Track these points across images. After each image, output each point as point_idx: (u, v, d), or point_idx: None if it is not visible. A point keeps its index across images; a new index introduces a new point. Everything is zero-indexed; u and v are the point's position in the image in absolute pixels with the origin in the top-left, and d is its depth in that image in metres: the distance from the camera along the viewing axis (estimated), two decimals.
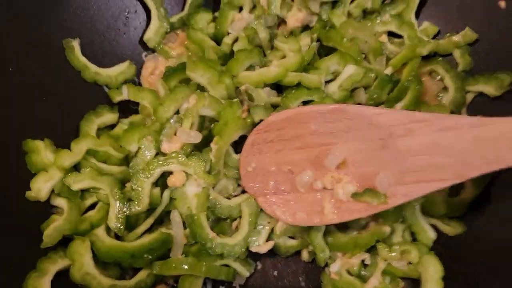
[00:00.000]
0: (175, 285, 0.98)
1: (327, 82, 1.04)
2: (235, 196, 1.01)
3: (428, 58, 1.08)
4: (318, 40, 1.10)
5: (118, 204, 0.94)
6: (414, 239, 0.98)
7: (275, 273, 1.02)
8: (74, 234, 0.93)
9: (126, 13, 1.16)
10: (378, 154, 0.84)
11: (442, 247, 0.95)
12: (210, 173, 0.95)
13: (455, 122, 0.75)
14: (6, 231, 0.88)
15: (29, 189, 0.94)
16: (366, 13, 1.15)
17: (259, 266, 1.03)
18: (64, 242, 0.92)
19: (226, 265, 0.96)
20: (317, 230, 0.96)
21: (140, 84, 1.17)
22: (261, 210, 0.97)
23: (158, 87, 1.06)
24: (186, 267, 0.91)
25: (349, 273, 0.97)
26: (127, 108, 1.13)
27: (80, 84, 1.09)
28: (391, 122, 0.81)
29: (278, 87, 1.04)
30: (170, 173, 0.96)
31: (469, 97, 1.03)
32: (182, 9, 1.21)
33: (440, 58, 1.07)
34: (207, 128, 1.01)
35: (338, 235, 0.97)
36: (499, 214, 0.92)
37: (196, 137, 0.95)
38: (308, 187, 0.92)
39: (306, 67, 1.04)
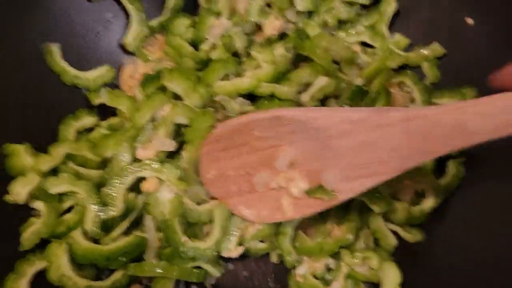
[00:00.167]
0: (149, 284, 1.02)
1: (300, 92, 1.08)
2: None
3: (398, 69, 1.12)
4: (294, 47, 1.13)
5: (94, 208, 0.98)
6: (377, 244, 1.04)
7: (245, 273, 1.07)
8: (51, 236, 0.97)
9: (106, 16, 1.18)
10: (321, 153, 0.88)
11: (402, 254, 1.01)
12: (182, 179, 0.98)
13: (387, 118, 0.78)
14: None
15: (7, 191, 0.96)
16: (341, 23, 1.17)
17: (230, 267, 1.07)
18: (42, 244, 0.95)
19: (198, 267, 1.00)
20: (285, 234, 1.00)
21: (119, 87, 1.19)
22: (232, 215, 1.01)
23: (136, 94, 1.08)
24: (159, 270, 0.96)
25: (314, 276, 1.02)
26: (106, 110, 1.14)
27: (59, 87, 1.11)
28: (327, 126, 0.84)
29: (252, 96, 1.07)
30: (144, 178, 1.00)
31: None
32: (162, 13, 1.23)
33: (409, 71, 1.10)
34: (182, 135, 1.04)
35: (305, 240, 1.02)
36: (457, 224, 0.98)
37: (170, 145, 0.99)
38: (265, 187, 0.97)
39: (280, 77, 1.07)
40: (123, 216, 0.99)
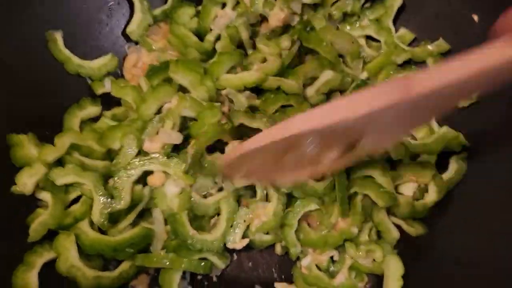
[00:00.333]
0: (156, 274, 1.04)
1: (306, 86, 1.08)
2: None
3: (403, 64, 1.13)
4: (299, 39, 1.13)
5: (101, 200, 0.98)
6: (380, 237, 1.06)
7: (250, 264, 1.09)
8: (59, 228, 0.97)
9: (109, 5, 1.17)
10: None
11: (404, 246, 1.03)
12: (187, 173, 0.99)
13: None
14: None
15: (13, 182, 0.96)
16: (346, 16, 1.18)
17: (235, 257, 1.09)
18: (49, 235, 0.96)
19: (204, 258, 1.02)
20: (290, 226, 1.02)
21: (122, 76, 1.18)
22: (239, 207, 1.03)
23: (142, 84, 1.08)
24: (167, 262, 0.97)
25: (318, 268, 1.04)
26: (110, 100, 1.14)
27: (63, 76, 1.10)
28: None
29: (257, 89, 1.07)
30: (151, 172, 1.00)
31: None
32: (165, 2, 1.22)
33: (414, 66, 1.12)
34: (188, 128, 1.04)
35: (309, 232, 1.04)
36: (458, 217, 1.01)
37: (177, 138, 0.99)
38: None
39: (285, 70, 1.08)
40: (130, 208, 1.00)
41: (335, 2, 1.16)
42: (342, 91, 1.10)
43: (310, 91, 1.08)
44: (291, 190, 1.02)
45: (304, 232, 1.04)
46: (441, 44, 1.10)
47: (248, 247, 1.05)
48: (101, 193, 0.98)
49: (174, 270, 0.99)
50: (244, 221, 1.02)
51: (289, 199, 1.04)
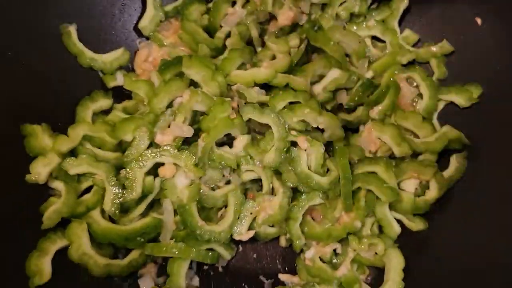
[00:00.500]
0: (164, 263, 1.07)
1: (313, 83, 1.11)
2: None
3: (407, 64, 1.16)
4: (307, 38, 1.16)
5: (113, 190, 1.01)
6: (381, 231, 1.09)
7: (254, 255, 1.12)
8: (72, 216, 1.00)
9: (122, 0, 1.19)
10: None
11: (405, 241, 1.06)
12: (197, 166, 1.02)
13: None
14: (4, 212, 0.94)
15: (27, 171, 0.99)
16: (353, 16, 1.20)
17: (240, 249, 1.12)
18: (62, 223, 0.99)
19: (211, 249, 1.05)
20: (295, 220, 1.05)
21: (133, 70, 1.21)
22: (246, 200, 1.06)
23: (153, 79, 1.11)
24: (176, 251, 1.00)
25: (322, 260, 1.07)
26: (121, 93, 1.17)
27: (76, 69, 1.13)
28: None
29: (266, 86, 1.10)
30: (162, 163, 1.03)
31: (441, 105, 1.13)
32: None
33: (418, 67, 1.15)
34: (198, 121, 1.07)
35: (313, 225, 1.07)
36: (458, 214, 1.04)
37: (188, 132, 1.02)
38: None
39: (294, 67, 1.11)
40: (141, 198, 1.02)
41: (343, 2, 1.19)
42: (348, 89, 1.13)
43: (317, 88, 1.11)
44: (297, 184, 1.06)
45: (308, 225, 1.07)
46: (445, 46, 1.13)
47: (253, 239, 1.08)
48: (113, 183, 1.01)
49: (182, 259, 1.02)
50: (251, 213, 1.05)
51: (294, 193, 1.07)
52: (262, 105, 1.07)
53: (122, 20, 1.20)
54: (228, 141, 1.08)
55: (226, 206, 1.07)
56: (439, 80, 1.15)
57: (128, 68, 1.21)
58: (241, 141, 1.06)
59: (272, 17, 1.21)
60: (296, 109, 1.04)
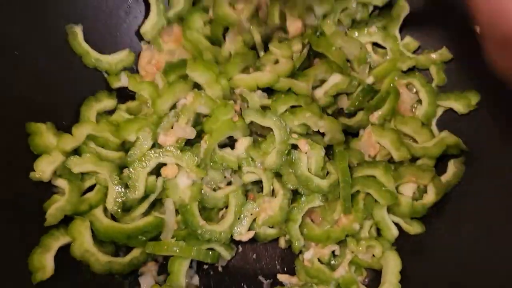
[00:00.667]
0: (164, 262, 1.09)
1: (314, 87, 1.14)
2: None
3: (407, 71, 1.18)
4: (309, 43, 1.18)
5: (116, 189, 1.03)
6: (379, 234, 1.11)
7: (254, 256, 1.14)
8: (74, 214, 1.02)
9: (128, 3, 1.21)
10: None
11: (402, 243, 1.09)
12: (199, 167, 1.04)
13: None
14: (8, 208, 0.95)
15: (30, 168, 1.00)
16: (355, 23, 1.22)
17: (240, 249, 1.14)
18: (64, 220, 1.00)
19: (211, 248, 1.06)
20: (294, 221, 1.07)
21: (137, 71, 1.22)
22: (246, 200, 1.08)
23: (157, 80, 1.12)
24: (177, 249, 1.02)
25: (320, 261, 1.09)
26: (125, 94, 1.19)
27: (81, 69, 1.14)
28: None
29: (268, 90, 1.12)
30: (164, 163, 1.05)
31: (439, 111, 1.15)
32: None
33: (417, 73, 1.17)
34: (201, 123, 1.09)
35: (312, 227, 1.09)
36: (454, 218, 1.06)
37: (191, 133, 1.04)
38: None
39: (296, 72, 1.13)
40: (143, 197, 1.04)
41: (345, 9, 1.20)
42: (348, 94, 1.15)
43: (319, 93, 1.13)
44: (297, 187, 1.07)
45: (307, 227, 1.09)
46: (444, 53, 1.15)
47: (253, 240, 1.10)
48: (116, 182, 1.03)
49: (183, 258, 1.04)
50: (251, 214, 1.07)
51: (294, 195, 1.09)
52: (264, 108, 1.09)
53: (127, 22, 1.21)
54: (230, 143, 1.10)
55: (227, 207, 1.08)
56: (438, 87, 1.17)
57: (133, 69, 1.22)
58: (243, 143, 1.08)
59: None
60: (298, 112, 1.06)
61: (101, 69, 1.17)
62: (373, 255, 1.08)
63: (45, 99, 1.07)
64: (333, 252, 1.10)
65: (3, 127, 0.98)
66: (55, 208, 1.00)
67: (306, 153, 1.08)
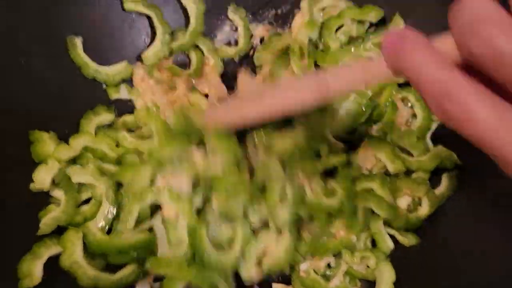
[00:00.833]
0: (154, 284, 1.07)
1: None
2: None
3: (402, 85, 1.20)
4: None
5: (108, 207, 1.04)
6: (374, 245, 1.13)
7: None
8: (69, 224, 1.02)
9: (133, 15, 1.22)
10: None
11: (396, 254, 1.10)
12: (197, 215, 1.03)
13: None
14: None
15: (26, 175, 1.01)
16: (351, 39, 1.24)
17: None
18: (58, 231, 1.01)
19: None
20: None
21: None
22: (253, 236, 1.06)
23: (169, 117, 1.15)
24: (175, 271, 1.01)
25: (315, 272, 1.10)
26: (122, 106, 1.21)
27: (81, 79, 1.16)
28: None
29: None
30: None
31: (434, 125, 1.17)
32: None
33: (413, 88, 1.18)
34: None
35: (310, 241, 1.10)
36: (448, 230, 1.08)
37: (187, 188, 1.02)
38: None
39: None
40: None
41: (340, 27, 1.23)
42: None
43: None
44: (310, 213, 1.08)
45: (305, 240, 1.10)
46: None
47: None
48: (110, 200, 1.04)
49: (178, 280, 1.02)
50: (256, 254, 1.06)
51: None
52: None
53: (130, 35, 1.23)
54: None
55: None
56: None
57: (131, 81, 1.24)
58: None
59: None
60: None
61: (99, 80, 1.18)
62: (368, 266, 1.09)
63: (46, 108, 1.09)
64: (328, 263, 1.11)
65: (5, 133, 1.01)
66: (50, 218, 1.01)
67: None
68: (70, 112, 1.12)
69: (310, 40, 1.22)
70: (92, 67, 1.17)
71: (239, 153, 1.05)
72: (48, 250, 0.99)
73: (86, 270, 0.99)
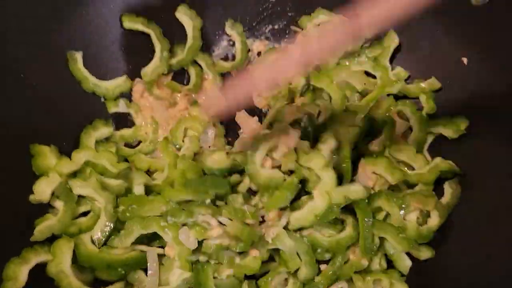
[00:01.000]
0: None
1: None
2: None
3: (398, 99, 1.22)
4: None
5: (106, 221, 1.02)
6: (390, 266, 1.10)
7: None
8: (63, 234, 1.00)
9: (132, 32, 1.24)
10: None
11: (411, 272, 1.07)
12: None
13: None
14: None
15: (24, 187, 1.00)
16: (347, 54, 1.27)
17: None
18: (51, 240, 0.99)
19: None
20: None
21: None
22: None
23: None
24: None
25: None
26: (121, 119, 1.22)
27: (82, 93, 1.18)
28: None
29: None
30: None
31: (430, 137, 1.18)
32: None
33: (408, 101, 1.20)
34: None
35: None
36: (461, 240, 1.07)
37: (193, 245, 1.00)
38: None
39: None
40: None
41: None
42: None
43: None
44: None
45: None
46: (433, 82, 1.20)
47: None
48: (108, 215, 1.02)
49: None
50: None
51: None
52: None
53: (128, 50, 1.24)
54: None
55: None
56: (429, 114, 1.19)
57: (130, 96, 1.25)
58: None
59: None
60: None
61: (98, 94, 1.19)
62: None
63: (46, 122, 1.09)
64: None
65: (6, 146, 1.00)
66: (45, 226, 0.99)
67: None
68: (70, 126, 1.12)
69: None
70: (91, 81, 1.18)
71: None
72: (36, 257, 0.96)
73: (71, 281, 0.96)
